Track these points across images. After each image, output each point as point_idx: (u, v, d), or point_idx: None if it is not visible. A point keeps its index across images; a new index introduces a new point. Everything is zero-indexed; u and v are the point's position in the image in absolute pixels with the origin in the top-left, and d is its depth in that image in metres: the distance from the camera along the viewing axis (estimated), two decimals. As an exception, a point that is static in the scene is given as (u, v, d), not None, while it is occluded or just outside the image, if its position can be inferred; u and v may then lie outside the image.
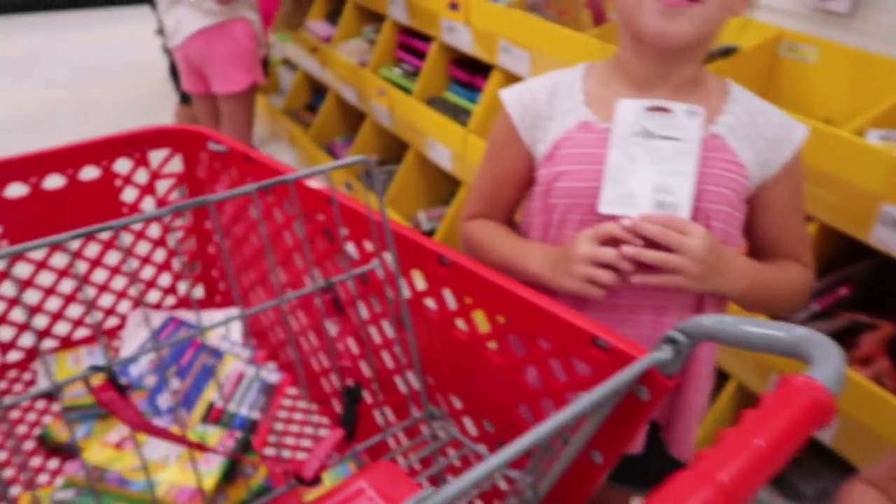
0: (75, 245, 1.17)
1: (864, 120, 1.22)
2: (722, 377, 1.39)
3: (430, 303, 0.82)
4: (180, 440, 0.66)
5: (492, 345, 0.78)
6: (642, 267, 0.79)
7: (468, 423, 0.85)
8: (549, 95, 0.89)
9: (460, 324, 0.80)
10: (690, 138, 0.81)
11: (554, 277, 0.83)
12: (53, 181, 1.10)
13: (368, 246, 0.86)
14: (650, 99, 0.83)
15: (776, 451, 0.44)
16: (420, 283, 0.82)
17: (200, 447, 0.67)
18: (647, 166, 0.82)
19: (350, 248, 0.88)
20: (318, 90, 3.26)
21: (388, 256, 0.77)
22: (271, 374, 1.21)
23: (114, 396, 0.52)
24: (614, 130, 0.82)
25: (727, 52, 1.49)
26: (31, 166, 1.07)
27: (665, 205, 0.81)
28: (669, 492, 0.40)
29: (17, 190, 1.08)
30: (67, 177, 1.11)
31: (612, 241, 0.79)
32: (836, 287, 1.27)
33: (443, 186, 2.39)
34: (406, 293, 0.79)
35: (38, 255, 1.09)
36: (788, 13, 1.57)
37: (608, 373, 0.64)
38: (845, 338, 1.23)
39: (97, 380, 0.55)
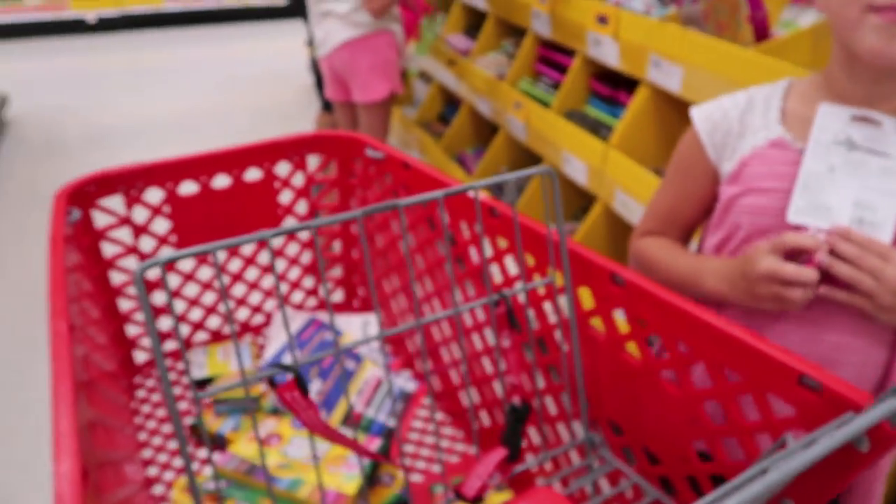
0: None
1: None
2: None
3: (596, 323, 0.78)
4: (355, 446, 0.65)
5: (668, 374, 0.72)
6: (827, 280, 0.72)
7: (627, 453, 0.80)
8: (742, 112, 0.83)
9: (631, 348, 0.74)
10: None
11: (734, 295, 0.77)
12: (221, 181, 1.15)
13: (530, 260, 0.83)
14: (857, 109, 0.75)
15: None
16: (588, 301, 0.77)
17: (373, 455, 0.66)
18: (848, 179, 0.74)
19: (510, 261, 0.85)
20: (451, 102, 3.30)
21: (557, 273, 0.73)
22: (408, 383, 1.20)
23: (297, 396, 0.51)
24: (814, 135, 0.76)
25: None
26: (202, 166, 1.12)
27: (865, 222, 0.73)
28: None
29: (188, 188, 1.14)
30: (233, 177, 1.15)
31: (796, 254, 0.72)
32: None
33: (574, 201, 2.33)
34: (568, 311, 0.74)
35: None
36: None
37: (817, 415, 0.58)
38: None
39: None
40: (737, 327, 0.65)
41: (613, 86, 2.10)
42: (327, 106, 3.11)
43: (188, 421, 1.09)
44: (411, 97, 3.67)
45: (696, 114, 0.87)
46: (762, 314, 0.79)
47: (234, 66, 5.11)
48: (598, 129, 2.02)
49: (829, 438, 0.48)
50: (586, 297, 0.78)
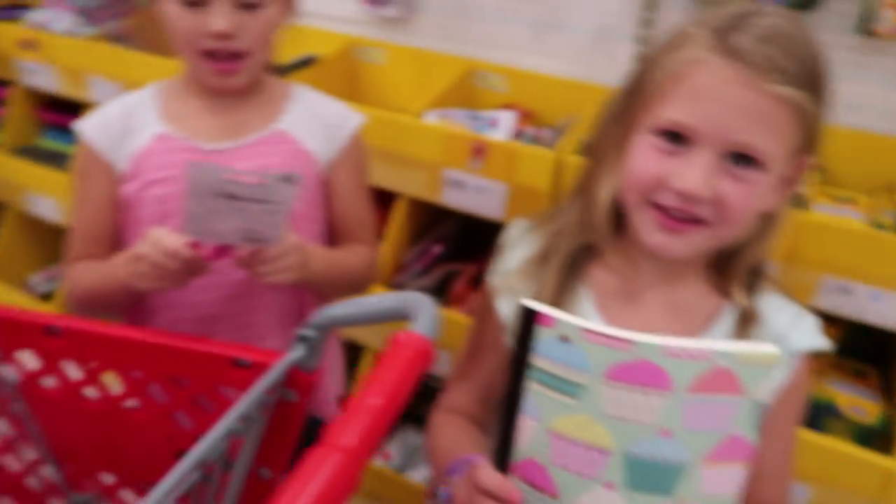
0: None
1: (422, 104, 1.47)
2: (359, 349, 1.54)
3: (49, 381, 0.77)
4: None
5: (131, 403, 0.75)
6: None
7: (129, 495, 0.81)
8: (122, 116, 0.93)
9: (90, 392, 0.76)
10: (284, 202, 0.78)
11: (129, 278, 0.81)
12: None
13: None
14: (230, 169, 0.79)
15: (391, 403, 0.51)
16: (32, 362, 0.76)
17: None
18: (233, 216, 0.78)
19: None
20: None
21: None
22: None
23: None
24: (189, 189, 0.75)
25: (307, 62, 1.65)
26: None
27: (253, 240, 0.80)
28: (304, 468, 0.45)
29: None
30: None
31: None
32: (431, 247, 1.53)
33: (55, 242, 2.17)
34: (13, 378, 0.73)
35: None
36: (357, 22, 1.79)
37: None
38: (445, 287, 1.49)
39: None
40: (169, 336, 0.71)
41: (65, 112, 2.00)
42: None
43: None
44: None
45: (82, 126, 0.93)
46: (184, 312, 0.91)
47: None
48: (59, 161, 1.92)
49: (241, 404, 0.58)
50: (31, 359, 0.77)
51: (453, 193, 1.39)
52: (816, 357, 0.74)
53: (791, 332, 0.71)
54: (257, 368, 0.66)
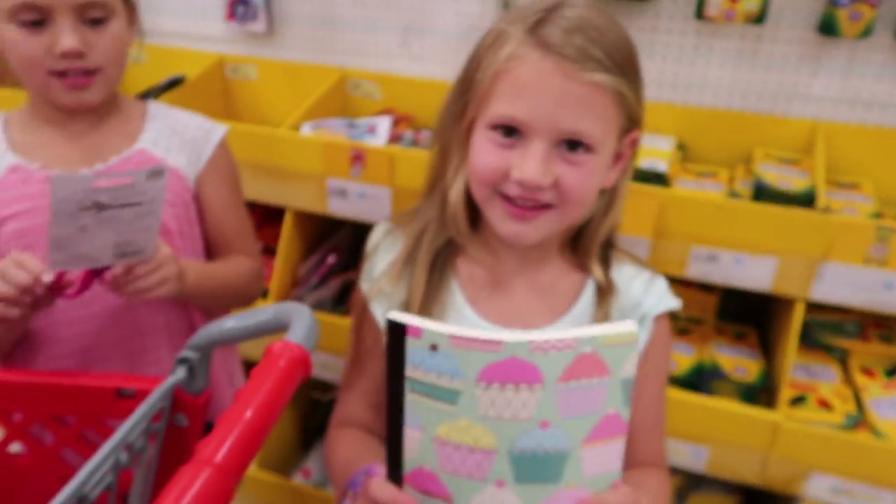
0: None
1: (298, 116, 1.46)
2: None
3: None
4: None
5: (15, 447, 0.71)
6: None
7: None
8: None
9: None
10: (154, 199, 0.77)
11: None
12: None
13: None
14: (95, 176, 0.80)
15: (265, 416, 0.51)
16: None
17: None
18: (103, 231, 0.76)
19: None
20: None
21: None
22: None
23: None
24: (54, 208, 0.72)
25: (175, 83, 1.59)
26: None
27: (128, 254, 0.79)
28: (174, 485, 0.44)
29: None
30: None
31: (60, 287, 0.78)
32: (325, 258, 1.52)
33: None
34: None
35: None
36: (226, 40, 1.75)
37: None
38: (344, 297, 1.48)
39: None
40: (47, 374, 0.69)
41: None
42: None
43: None
44: None
45: None
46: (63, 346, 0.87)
47: None
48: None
49: (118, 434, 0.56)
50: None
51: (338, 202, 1.38)
52: (671, 317, 0.79)
53: (645, 297, 0.76)
54: (143, 397, 0.64)
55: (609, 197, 0.73)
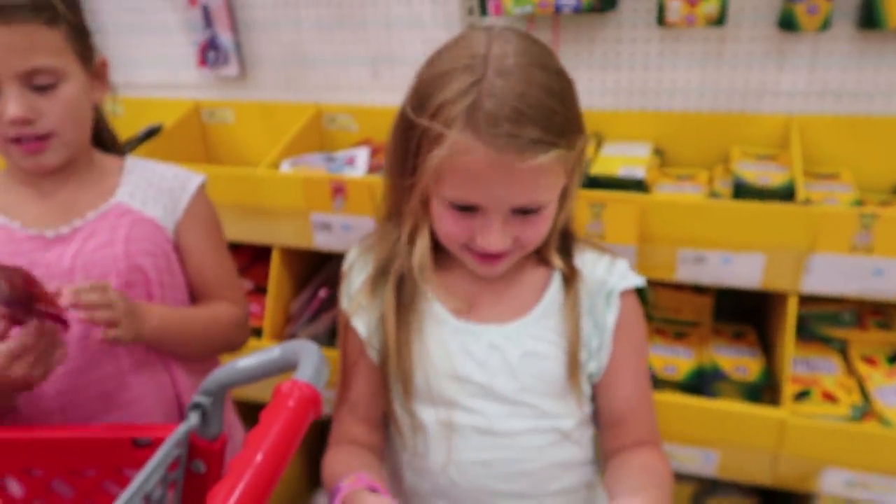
0: None
1: (276, 154, 1.47)
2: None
3: None
4: None
5: None
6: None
7: None
8: None
9: None
10: None
11: None
12: None
13: None
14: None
15: (277, 459, 0.50)
16: None
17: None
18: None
19: None
20: None
21: None
22: None
23: None
24: None
25: (152, 132, 1.60)
26: None
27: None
28: None
29: None
30: None
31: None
32: (316, 293, 1.51)
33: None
34: None
35: None
36: (200, 86, 1.77)
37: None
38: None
39: None
40: (62, 428, 0.69)
41: None
42: None
43: None
44: None
45: None
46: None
47: None
48: None
49: (132, 486, 0.55)
50: None
51: (323, 236, 1.38)
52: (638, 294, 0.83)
53: (608, 277, 0.81)
54: (159, 445, 0.64)
55: (560, 199, 0.76)
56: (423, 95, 0.71)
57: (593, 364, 0.79)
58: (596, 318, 0.79)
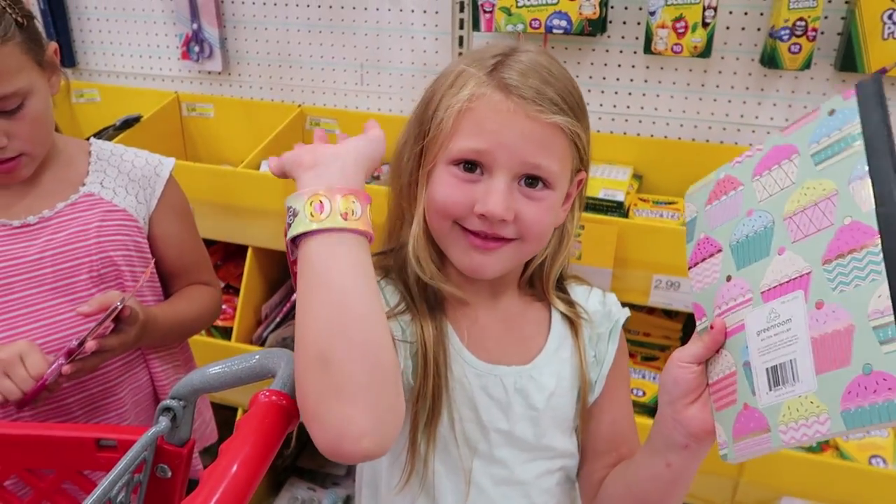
0: None
1: (256, 154, 1.45)
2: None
3: None
4: None
5: None
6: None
7: None
8: None
9: None
10: None
11: None
12: None
13: None
14: None
15: (252, 470, 0.49)
16: None
17: None
18: None
19: None
20: None
21: None
22: None
23: None
24: None
25: (130, 122, 1.57)
26: None
27: None
28: None
29: None
30: None
31: None
32: (289, 295, 1.50)
33: None
34: None
35: None
36: (182, 79, 1.74)
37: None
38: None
39: None
40: (24, 426, 0.67)
41: None
42: None
43: None
44: None
45: None
46: None
47: None
48: None
49: (99, 490, 0.54)
50: None
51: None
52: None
53: (607, 310, 0.80)
54: (125, 447, 0.63)
55: (560, 234, 0.76)
56: (445, 73, 0.71)
57: (590, 396, 0.78)
58: (597, 351, 0.78)
